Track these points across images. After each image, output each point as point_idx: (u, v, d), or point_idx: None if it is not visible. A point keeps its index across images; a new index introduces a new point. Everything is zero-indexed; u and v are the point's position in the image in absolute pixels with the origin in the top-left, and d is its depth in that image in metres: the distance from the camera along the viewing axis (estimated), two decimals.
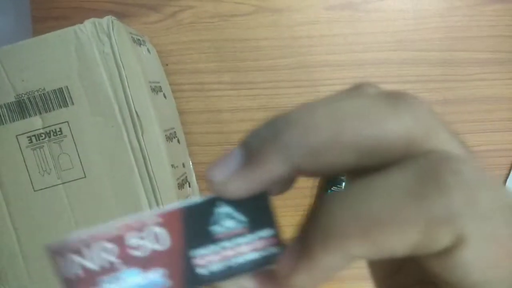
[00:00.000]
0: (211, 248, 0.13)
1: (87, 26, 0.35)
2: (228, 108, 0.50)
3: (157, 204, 0.37)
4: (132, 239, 0.12)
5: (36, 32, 0.49)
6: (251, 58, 0.49)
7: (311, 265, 0.12)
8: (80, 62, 0.36)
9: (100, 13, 0.37)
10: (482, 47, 0.49)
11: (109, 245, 0.12)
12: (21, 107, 0.36)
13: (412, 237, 0.11)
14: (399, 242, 0.11)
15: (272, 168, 0.12)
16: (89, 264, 0.12)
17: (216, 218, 0.13)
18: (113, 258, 0.12)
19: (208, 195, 0.13)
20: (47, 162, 0.37)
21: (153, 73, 0.43)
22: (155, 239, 0.12)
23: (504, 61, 0.49)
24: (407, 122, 0.12)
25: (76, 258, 0.12)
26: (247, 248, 0.13)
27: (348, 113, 0.12)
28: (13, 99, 0.36)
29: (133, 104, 0.36)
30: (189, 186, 0.46)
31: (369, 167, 0.12)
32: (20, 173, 0.37)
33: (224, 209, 0.13)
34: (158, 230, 0.13)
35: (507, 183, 0.51)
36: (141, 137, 0.37)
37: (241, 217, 0.13)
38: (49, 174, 0.37)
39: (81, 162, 0.37)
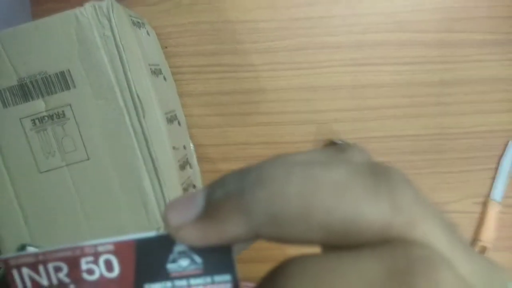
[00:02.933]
0: (163, 285, 0.13)
1: (87, 9, 0.35)
2: (227, 90, 0.50)
3: (160, 185, 0.38)
4: (85, 263, 0.13)
5: (35, 14, 0.49)
6: (250, 40, 0.49)
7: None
8: (81, 45, 0.36)
9: None
10: (480, 28, 0.49)
11: (63, 265, 0.13)
12: (24, 91, 0.37)
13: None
14: None
15: (230, 229, 0.12)
16: (41, 280, 0.13)
17: (172, 256, 0.13)
18: (64, 278, 0.13)
19: (165, 231, 0.13)
20: (51, 144, 0.38)
21: (153, 55, 0.43)
22: (107, 266, 0.13)
23: (502, 42, 0.49)
24: (387, 207, 0.11)
25: (30, 273, 0.13)
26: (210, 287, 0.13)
27: (323, 186, 0.11)
28: (15, 83, 0.37)
29: (134, 87, 0.37)
30: (190, 168, 0.47)
31: (337, 245, 0.11)
32: (25, 156, 0.38)
33: (180, 247, 0.13)
34: (111, 257, 0.13)
35: (500, 163, 0.52)
36: (143, 120, 0.37)
37: (198, 258, 0.13)
38: (53, 156, 0.38)
39: (84, 145, 0.38)
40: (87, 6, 0.35)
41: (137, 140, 0.37)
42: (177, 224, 0.12)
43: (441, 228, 0.11)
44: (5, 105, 0.37)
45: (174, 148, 0.41)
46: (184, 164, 0.44)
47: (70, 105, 0.37)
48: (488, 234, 0.52)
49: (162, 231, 0.13)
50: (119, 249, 0.13)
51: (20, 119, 0.37)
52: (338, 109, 0.51)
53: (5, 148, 0.38)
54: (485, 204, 0.53)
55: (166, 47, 0.49)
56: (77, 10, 0.35)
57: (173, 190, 0.39)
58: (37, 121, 0.37)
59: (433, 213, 0.11)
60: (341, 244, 0.11)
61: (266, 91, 0.50)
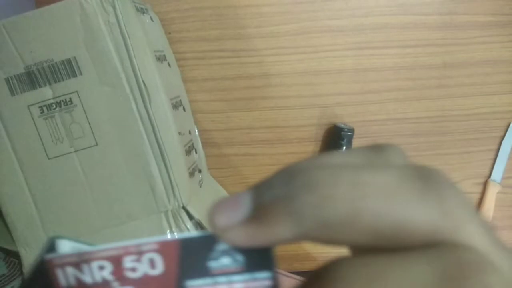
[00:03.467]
0: (204, 281, 0.13)
1: None
2: (231, 75, 0.51)
3: (166, 170, 0.39)
4: (129, 261, 0.13)
5: (38, 1, 0.49)
6: (253, 25, 0.49)
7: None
8: (86, 32, 0.36)
9: None
10: (483, 10, 0.49)
11: (106, 264, 0.13)
12: (31, 78, 0.37)
13: None
14: None
15: (278, 232, 0.12)
16: (85, 278, 0.13)
17: (214, 254, 0.13)
18: (108, 276, 0.13)
19: (209, 231, 0.13)
20: (59, 131, 0.38)
21: (157, 42, 0.43)
22: (151, 264, 0.13)
23: (505, 24, 0.49)
24: (435, 211, 0.11)
25: (74, 271, 0.13)
26: (240, 286, 0.13)
27: (372, 190, 0.11)
28: (22, 71, 0.37)
29: (140, 73, 0.37)
30: (196, 153, 0.48)
31: (383, 248, 0.11)
32: (34, 142, 0.38)
33: (222, 246, 0.13)
34: (154, 256, 0.13)
35: (502, 144, 0.52)
36: (149, 106, 0.38)
37: (239, 256, 0.13)
38: (61, 142, 0.39)
39: (92, 131, 0.38)
40: None
41: (143, 125, 0.38)
42: (224, 226, 0.12)
43: (483, 230, 0.11)
44: (12, 93, 0.38)
45: (179, 133, 0.41)
46: (189, 149, 0.45)
47: (77, 92, 0.38)
48: (488, 214, 0.53)
49: (205, 231, 0.13)
50: (163, 248, 0.13)
51: (28, 106, 0.38)
52: (341, 93, 0.51)
53: (14, 135, 0.38)
54: (485, 185, 0.53)
55: (169, 33, 0.49)
56: None
57: (180, 175, 0.40)
58: (45, 108, 0.38)
59: (475, 216, 0.11)
60: (388, 247, 0.11)
61: (270, 75, 0.50)
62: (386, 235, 0.11)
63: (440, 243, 0.11)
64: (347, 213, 0.11)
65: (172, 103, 0.41)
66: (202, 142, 0.51)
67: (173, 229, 0.39)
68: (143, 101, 0.38)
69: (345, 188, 0.11)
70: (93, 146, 0.38)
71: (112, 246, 0.13)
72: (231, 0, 0.49)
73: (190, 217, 0.40)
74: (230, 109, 0.51)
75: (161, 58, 0.42)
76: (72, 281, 0.13)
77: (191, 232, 0.14)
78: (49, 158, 0.39)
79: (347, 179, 0.11)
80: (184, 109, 0.46)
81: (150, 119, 0.38)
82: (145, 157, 0.38)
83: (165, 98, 0.39)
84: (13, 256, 0.44)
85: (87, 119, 0.38)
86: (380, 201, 0.11)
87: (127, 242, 0.13)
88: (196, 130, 0.51)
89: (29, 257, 0.41)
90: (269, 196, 0.12)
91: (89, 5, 0.36)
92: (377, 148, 0.13)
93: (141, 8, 0.42)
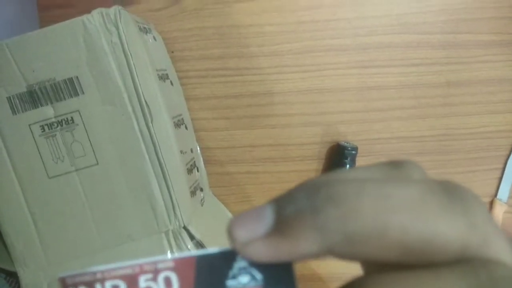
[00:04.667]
0: None
1: (95, 16, 0.36)
2: (233, 93, 0.50)
3: (168, 189, 0.38)
4: (144, 281, 0.13)
5: (42, 21, 0.49)
6: (256, 43, 0.49)
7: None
8: (89, 52, 0.36)
9: (105, 1, 0.37)
10: (486, 29, 0.49)
11: (121, 283, 0.13)
12: (33, 97, 0.37)
13: None
14: None
15: (303, 246, 0.11)
16: None
17: (231, 272, 0.13)
18: None
19: (225, 247, 0.13)
20: (60, 150, 0.38)
21: (160, 60, 0.44)
22: (166, 283, 0.13)
23: (508, 43, 0.49)
24: (463, 226, 0.11)
25: None
26: None
27: (399, 204, 0.11)
28: (24, 89, 0.37)
29: (142, 92, 0.37)
30: (198, 171, 0.47)
31: (409, 265, 0.11)
32: (35, 161, 0.38)
33: (241, 263, 0.13)
34: (170, 274, 0.13)
35: (508, 163, 0.52)
36: (151, 125, 0.37)
37: (258, 274, 0.13)
38: (62, 161, 0.38)
39: (93, 150, 0.38)
40: (95, 13, 0.36)
41: (145, 144, 0.38)
42: (245, 240, 0.12)
43: (509, 246, 0.11)
44: (14, 112, 0.37)
45: (181, 152, 0.41)
46: (191, 168, 0.44)
47: (78, 111, 0.37)
48: None
49: (223, 247, 0.13)
50: (179, 266, 0.13)
51: (29, 125, 0.38)
52: (344, 111, 0.51)
53: (15, 154, 0.38)
54: (491, 204, 0.52)
55: (172, 52, 0.49)
56: (85, 18, 0.36)
57: (181, 194, 0.39)
58: (46, 127, 0.38)
59: (500, 231, 0.11)
60: (415, 263, 0.11)
61: (273, 93, 0.50)
62: (414, 250, 0.10)
63: (469, 258, 0.10)
64: (374, 227, 0.11)
65: (174, 122, 0.41)
66: (204, 160, 0.51)
67: (174, 249, 0.39)
68: (145, 120, 0.37)
69: (371, 201, 0.11)
70: (94, 165, 0.38)
71: (126, 265, 0.13)
72: (233, 19, 0.49)
73: (191, 237, 0.39)
74: (233, 127, 0.51)
75: (163, 77, 0.42)
76: None
77: (209, 248, 0.13)
78: (49, 177, 0.39)
79: (372, 192, 0.11)
80: (186, 128, 0.46)
81: (151, 138, 0.38)
82: (146, 176, 0.38)
83: (167, 116, 0.39)
84: (13, 276, 0.44)
85: (89, 138, 0.38)
86: (406, 215, 0.11)
87: (142, 260, 0.13)
88: (198, 148, 0.51)
89: (27, 277, 0.40)
90: (293, 209, 0.12)
91: (92, 25, 0.36)
92: (396, 163, 0.13)
93: (144, 28, 0.42)
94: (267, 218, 0.12)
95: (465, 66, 0.50)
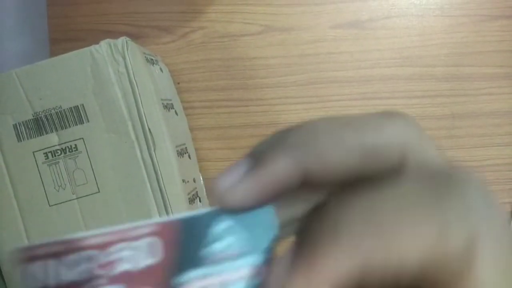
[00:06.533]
0: (201, 271, 0.12)
1: (103, 46, 0.37)
2: (238, 124, 0.51)
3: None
4: (120, 249, 0.11)
5: (53, 53, 0.51)
6: (260, 75, 0.50)
7: (312, 272, 0.11)
8: (96, 81, 0.37)
9: (114, 35, 0.38)
10: (489, 62, 0.49)
11: (94, 254, 0.11)
12: (38, 125, 0.38)
13: (426, 240, 0.11)
14: (413, 245, 0.10)
15: (278, 168, 0.12)
16: (65, 274, 0.10)
17: (217, 232, 0.12)
18: (96, 269, 0.11)
19: (211, 208, 0.12)
20: (62, 177, 0.38)
21: (165, 90, 0.44)
22: (149, 249, 0.11)
23: None
24: (402, 128, 0.13)
25: (51, 266, 0.10)
26: (241, 272, 0.12)
27: (351, 122, 0.13)
28: (30, 117, 0.38)
29: (146, 121, 0.37)
30: (200, 201, 0.47)
31: (367, 175, 0.12)
32: (36, 189, 0.38)
33: (226, 223, 0.12)
34: (153, 240, 0.11)
35: None
36: (154, 153, 0.37)
37: (244, 232, 0.12)
38: (64, 189, 0.38)
39: (95, 177, 0.38)
40: (103, 43, 0.37)
41: (147, 173, 0.38)
42: (227, 186, 0.12)
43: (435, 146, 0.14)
44: (19, 139, 0.38)
45: (183, 181, 0.41)
46: (193, 197, 0.44)
47: (83, 138, 0.38)
48: None
49: (209, 208, 0.12)
50: (162, 230, 0.12)
51: (33, 152, 0.38)
52: None
53: (17, 180, 0.38)
54: None
55: (178, 83, 0.50)
56: (93, 47, 0.37)
57: None
58: (49, 154, 0.38)
59: (427, 136, 0.14)
60: (371, 171, 0.12)
61: (277, 124, 0.50)
62: (369, 154, 0.12)
63: (413, 158, 0.12)
64: (333, 138, 0.12)
65: (177, 151, 0.41)
66: (207, 190, 0.51)
67: None
68: (148, 148, 0.37)
69: (324, 123, 0.13)
70: (95, 193, 0.38)
71: (101, 232, 0.11)
72: (239, 52, 0.50)
73: None
74: (236, 157, 0.51)
75: (168, 106, 0.43)
76: (51, 280, 0.10)
77: (193, 211, 0.12)
78: (50, 205, 0.38)
79: (326, 120, 0.13)
80: (189, 157, 0.46)
81: (154, 166, 0.38)
82: (147, 205, 0.38)
83: (170, 145, 0.39)
84: None
85: (91, 165, 0.38)
86: (357, 127, 0.13)
87: (119, 227, 0.11)
88: (201, 178, 0.50)
89: None
90: (263, 146, 0.13)
91: (99, 54, 0.37)
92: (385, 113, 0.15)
93: (151, 59, 0.43)
94: (245, 164, 0.13)
95: (470, 98, 0.50)
